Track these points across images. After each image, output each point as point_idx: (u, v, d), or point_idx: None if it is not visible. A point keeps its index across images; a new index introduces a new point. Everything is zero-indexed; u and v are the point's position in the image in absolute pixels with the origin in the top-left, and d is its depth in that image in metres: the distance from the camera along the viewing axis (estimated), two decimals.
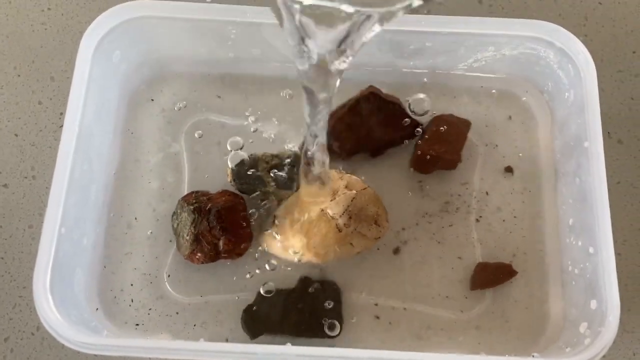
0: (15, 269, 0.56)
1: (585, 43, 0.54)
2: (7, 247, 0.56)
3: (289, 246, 0.51)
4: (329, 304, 0.52)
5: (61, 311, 0.46)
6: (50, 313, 0.45)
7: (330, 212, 0.50)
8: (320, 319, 0.51)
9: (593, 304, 0.47)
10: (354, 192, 0.50)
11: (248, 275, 0.54)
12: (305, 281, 0.53)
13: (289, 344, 0.47)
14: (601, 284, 0.47)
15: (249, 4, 0.53)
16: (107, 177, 0.55)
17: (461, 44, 0.55)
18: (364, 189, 0.51)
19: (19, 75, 0.62)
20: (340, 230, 0.50)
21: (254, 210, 0.55)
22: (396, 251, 0.55)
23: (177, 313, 0.53)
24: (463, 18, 0.54)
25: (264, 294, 0.52)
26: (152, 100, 0.59)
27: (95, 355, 0.53)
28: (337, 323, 0.51)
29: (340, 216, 0.50)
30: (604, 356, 0.53)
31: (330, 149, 0.55)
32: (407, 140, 0.57)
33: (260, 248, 0.54)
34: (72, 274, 0.50)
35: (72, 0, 0.65)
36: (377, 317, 0.53)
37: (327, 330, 0.51)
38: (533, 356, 0.49)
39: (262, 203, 0.55)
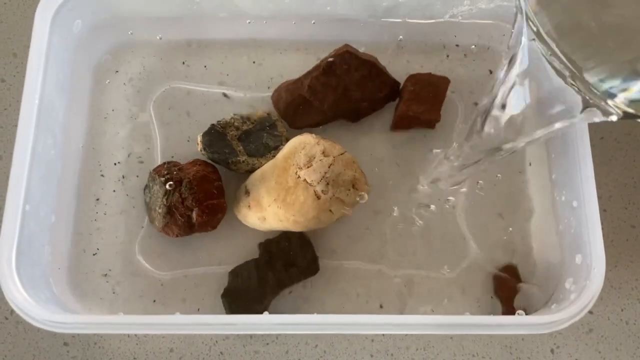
0: None
1: None
2: None
3: (265, 216, 0.49)
4: (303, 255, 0.51)
5: (29, 291, 0.44)
6: (17, 294, 0.43)
7: (307, 179, 0.48)
8: (298, 265, 0.51)
9: (578, 259, 0.46)
10: (331, 157, 0.49)
11: (225, 247, 0.52)
12: (269, 244, 0.52)
13: (266, 313, 0.46)
14: (585, 238, 0.45)
15: None
16: (74, 152, 0.54)
17: None
18: (341, 154, 0.49)
19: None
20: (318, 197, 0.48)
21: (228, 179, 0.53)
22: (377, 216, 0.54)
23: (153, 288, 0.51)
24: None
25: (238, 268, 0.51)
26: (118, 70, 0.57)
27: (73, 336, 0.52)
28: (314, 263, 0.51)
29: (318, 183, 0.48)
30: (591, 312, 0.52)
31: (310, 107, 0.54)
32: (390, 103, 0.56)
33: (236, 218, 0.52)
34: (41, 252, 0.48)
35: None
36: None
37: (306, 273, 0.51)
38: (518, 314, 0.48)
39: (235, 172, 0.53)
